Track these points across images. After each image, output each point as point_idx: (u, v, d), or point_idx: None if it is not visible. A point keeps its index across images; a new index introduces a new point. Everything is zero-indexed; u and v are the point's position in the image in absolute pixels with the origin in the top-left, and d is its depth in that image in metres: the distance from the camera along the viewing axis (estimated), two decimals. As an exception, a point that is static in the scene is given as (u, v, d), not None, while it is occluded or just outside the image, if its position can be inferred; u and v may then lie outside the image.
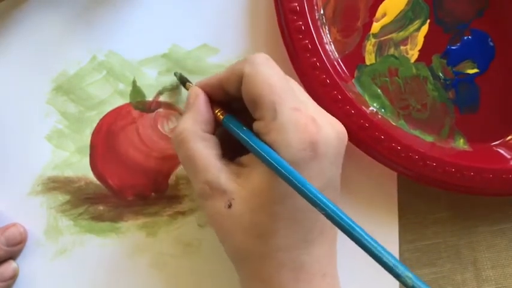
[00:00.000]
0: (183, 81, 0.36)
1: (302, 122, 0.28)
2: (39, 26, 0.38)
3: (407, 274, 0.24)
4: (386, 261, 0.25)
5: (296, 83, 0.33)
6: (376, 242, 0.25)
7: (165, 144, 0.38)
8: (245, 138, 0.30)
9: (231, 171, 0.30)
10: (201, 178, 0.30)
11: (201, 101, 0.32)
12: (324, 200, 0.26)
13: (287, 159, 0.27)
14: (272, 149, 0.28)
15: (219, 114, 0.32)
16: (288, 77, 0.32)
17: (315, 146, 0.28)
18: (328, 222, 0.29)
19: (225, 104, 0.33)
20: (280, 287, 0.29)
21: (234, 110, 0.32)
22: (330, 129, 0.30)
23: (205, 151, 0.30)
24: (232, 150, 0.32)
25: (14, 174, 0.38)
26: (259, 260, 0.29)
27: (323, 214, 0.26)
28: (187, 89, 0.35)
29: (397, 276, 0.24)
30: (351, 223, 0.26)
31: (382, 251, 0.25)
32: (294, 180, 0.27)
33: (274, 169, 0.27)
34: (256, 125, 0.30)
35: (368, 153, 0.36)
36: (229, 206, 0.29)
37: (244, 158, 0.31)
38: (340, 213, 0.26)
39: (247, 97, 0.30)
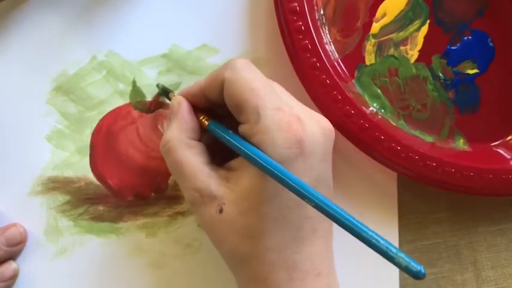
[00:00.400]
0: (166, 92, 0.36)
1: (286, 121, 0.29)
2: (39, 26, 0.38)
3: (400, 255, 0.24)
4: (379, 245, 0.25)
5: (278, 85, 0.33)
6: (366, 227, 0.25)
7: (165, 145, 0.38)
8: (231, 141, 0.30)
9: (220, 176, 0.31)
10: (191, 185, 0.30)
11: (184, 109, 0.32)
12: (311, 190, 0.26)
13: (274, 158, 0.28)
14: (259, 149, 0.28)
15: (203, 120, 0.32)
16: (269, 80, 0.32)
17: (300, 143, 0.29)
18: (320, 221, 0.30)
19: (209, 110, 0.33)
20: (274, 287, 0.29)
21: (218, 116, 0.33)
22: (316, 127, 0.30)
23: (192, 158, 0.31)
24: (220, 155, 0.32)
25: (14, 174, 0.38)
26: (252, 261, 0.30)
27: (312, 206, 0.26)
28: (170, 100, 0.35)
29: (390, 259, 0.24)
30: (339, 211, 0.26)
31: (374, 235, 0.25)
32: (281, 175, 0.27)
33: (261, 167, 0.28)
34: (242, 128, 0.30)
35: (368, 153, 0.36)
36: (221, 211, 0.30)
37: (233, 162, 0.31)
38: (328, 202, 0.26)
39: (230, 102, 0.30)
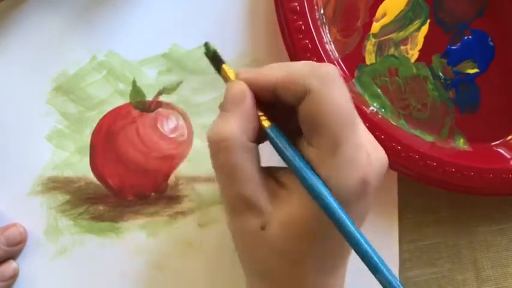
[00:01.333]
0: (217, 62, 0.29)
1: (360, 161, 0.26)
2: (39, 26, 0.38)
3: None
4: None
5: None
6: None
7: (165, 144, 0.38)
8: (293, 162, 0.26)
9: (270, 189, 0.27)
10: (238, 192, 0.27)
11: (249, 103, 0.27)
12: (367, 248, 0.25)
13: (338, 199, 0.25)
14: (323, 182, 0.26)
15: (262, 120, 0.28)
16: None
17: (367, 186, 0.26)
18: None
19: (265, 104, 0.28)
20: None
21: (274, 110, 0.28)
22: (379, 163, 0.28)
23: (248, 164, 0.27)
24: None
25: (14, 174, 0.38)
26: (285, 280, 0.28)
27: (362, 259, 0.25)
28: (218, 72, 0.29)
29: None
30: (387, 274, 0.25)
31: None
32: (340, 221, 0.25)
33: (321, 204, 0.25)
34: (309, 152, 0.26)
35: (368, 153, 0.36)
36: (263, 228, 0.27)
37: (284, 177, 0.28)
38: (379, 264, 0.25)
39: (307, 118, 0.26)
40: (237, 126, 0.27)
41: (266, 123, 0.27)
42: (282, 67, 0.28)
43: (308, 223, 0.26)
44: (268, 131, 0.27)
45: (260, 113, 0.28)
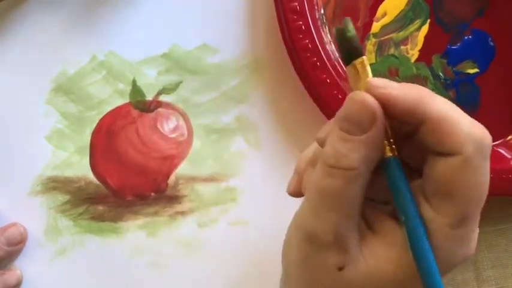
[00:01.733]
0: (353, 50, 0.22)
1: (474, 240, 0.24)
2: (39, 26, 0.38)
3: None
4: None
5: None
6: None
7: (164, 144, 0.38)
8: (410, 219, 0.23)
9: (360, 230, 0.24)
10: (334, 225, 0.23)
11: (380, 130, 0.22)
12: None
13: (439, 268, 0.24)
14: (433, 253, 0.23)
15: (387, 147, 0.23)
16: None
17: (467, 260, 0.25)
18: None
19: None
20: None
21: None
22: None
23: (359, 201, 0.23)
24: None
25: (14, 174, 0.38)
26: None
27: None
28: (347, 63, 0.23)
29: None
30: None
31: None
32: None
33: (425, 278, 0.23)
34: (428, 214, 0.23)
35: (368, 153, 0.36)
36: (340, 269, 0.24)
37: (376, 219, 0.25)
38: None
39: (444, 182, 0.23)
40: (364, 157, 0.23)
41: (389, 152, 0.23)
42: (436, 106, 0.23)
43: (396, 281, 0.24)
44: (390, 161, 0.23)
45: (386, 141, 0.23)
